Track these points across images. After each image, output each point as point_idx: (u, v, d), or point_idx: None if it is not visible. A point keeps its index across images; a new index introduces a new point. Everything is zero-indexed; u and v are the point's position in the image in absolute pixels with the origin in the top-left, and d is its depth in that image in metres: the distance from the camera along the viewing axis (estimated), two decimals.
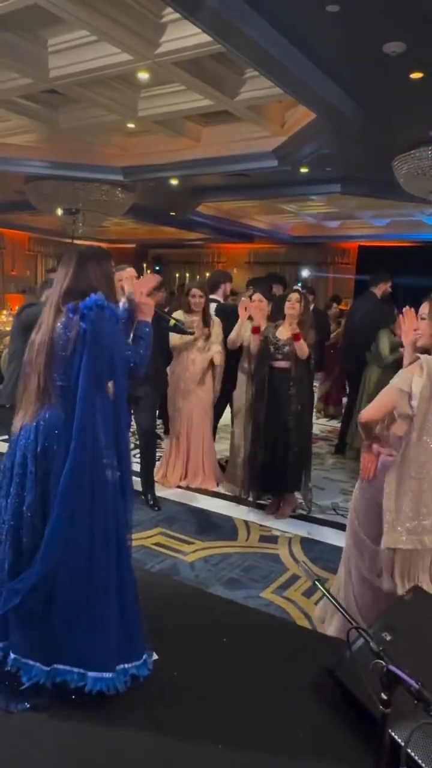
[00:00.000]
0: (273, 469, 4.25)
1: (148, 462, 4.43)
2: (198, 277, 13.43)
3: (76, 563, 2.18)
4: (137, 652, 2.35)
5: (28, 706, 2.22)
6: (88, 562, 2.19)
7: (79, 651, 2.21)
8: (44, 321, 2.27)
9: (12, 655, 2.21)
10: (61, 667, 2.22)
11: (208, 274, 13.71)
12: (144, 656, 2.39)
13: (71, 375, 2.18)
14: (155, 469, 4.61)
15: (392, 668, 1.40)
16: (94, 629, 2.21)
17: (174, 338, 4.56)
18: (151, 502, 4.37)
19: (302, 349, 4.13)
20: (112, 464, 2.24)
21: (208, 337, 4.75)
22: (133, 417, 4.26)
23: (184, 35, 3.93)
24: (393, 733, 1.82)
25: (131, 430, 4.47)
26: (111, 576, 2.24)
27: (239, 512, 4.42)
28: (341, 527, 4.20)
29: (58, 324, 2.21)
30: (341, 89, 4.13)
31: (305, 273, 13.17)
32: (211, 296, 5.03)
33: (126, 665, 2.30)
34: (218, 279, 5.44)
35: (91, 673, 2.21)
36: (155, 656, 2.54)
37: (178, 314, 4.80)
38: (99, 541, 2.21)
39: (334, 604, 1.67)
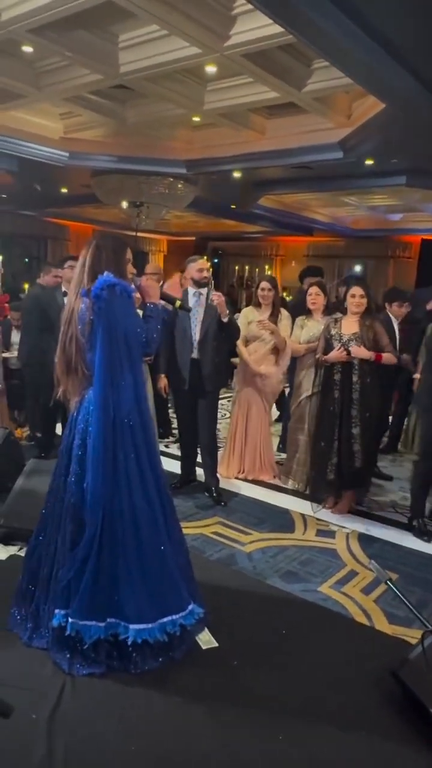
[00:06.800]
0: (341, 467, 4.14)
1: (208, 454, 4.45)
2: (257, 270, 13.41)
3: (115, 523, 2.35)
4: (183, 603, 2.46)
5: (89, 672, 2.34)
6: (125, 521, 2.36)
7: (124, 604, 2.35)
8: (69, 306, 2.47)
9: (70, 620, 2.33)
10: (112, 620, 2.36)
11: (267, 267, 13.71)
12: (190, 607, 2.48)
13: (95, 353, 2.36)
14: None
15: None
16: (133, 583, 2.36)
17: (242, 329, 4.58)
18: (215, 495, 4.39)
19: (389, 360, 4.09)
20: (135, 427, 2.39)
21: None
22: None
23: (254, 27, 3.92)
24: None
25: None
26: (148, 532, 2.39)
27: (296, 505, 4.42)
28: (400, 525, 4.15)
29: (78, 309, 2.40)
30: (414, 78, 4.01)
31: (358, 268, 12.89)
32: None
33: (174, 616, 2.42)
34: None
35: (132, 626, 2.34)
36: (214, 643, 2.59)
37: (249, 310, 4.86)
38: (135, 502, 2.37)
39: (407, 605, 1.66)
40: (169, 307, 3.25)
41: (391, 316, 5.08)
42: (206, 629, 2.63)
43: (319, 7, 3.12)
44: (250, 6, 3.46)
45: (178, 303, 3.09)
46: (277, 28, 3.65)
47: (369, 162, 6.34)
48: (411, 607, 1.66)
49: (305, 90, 4.88)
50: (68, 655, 2.37)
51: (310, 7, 3.12)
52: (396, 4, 3.09)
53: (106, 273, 2.36)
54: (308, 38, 3.52)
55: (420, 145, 5.70)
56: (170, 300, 3.03)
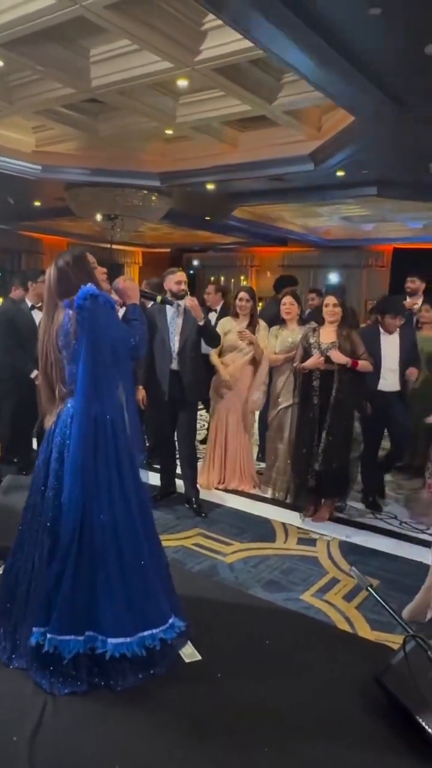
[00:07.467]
0: (321, 475, 4.17)
1: (188, 465, 4.44)
2: (233, 280, 13.48)
3: (95, 535, 2.31)
4: (163, 617, 2.43)
5: (71, 690, 2.29)
6: (105, 533, 2.32)
7: (102, 618, 2.31)
8: (43, 323, 2.44)
9: (48, 636, 2.29)
10: (90, 633, 2.31)
11: (243, 278, 13.79)
12: (170, 620, 2.45)
13: (77, 365, 2.33)
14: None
15: None
16: (112, 596, 2.32)
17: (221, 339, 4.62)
18: (195, 506, 4.37)
19: (365, 367, 4.13)
20: (119, 438, 2.37)
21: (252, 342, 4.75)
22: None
23: (223, 42, 3.98)
24: None
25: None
26: (128, 545, 2.36)
27: (276, 514, 4.42)
28: (380, 531, 4.18)
29: (58, 322, 2.36)
30: (381, 92, 4.11)
31: (334, 278, 13.04)
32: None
33: (153, 630, 2.38)
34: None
35: (111, 640, 2.30)
36: (198, 656, 2.57)
37: (226, 320, 4.88)
38: (116, 514, 2.34)
39: (388, 611, 1.67)
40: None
41: (381, 330, 4.48)
42: (189, 642, 2.61)
43: (287, 23, 3.19)
44: (219, 21, 3.52)
45: (159, 298, 3.07)
46: (247, 43, 3.71)
47: (340, 173, 6.45)
48: (392, 612, 1.67)
49: (276, 103, 4.96)
50: (48, 674, 2.32)
51: (278, 23, 3.18)
52: (365, 21, 3.17)
53: (89, 285, 2.34)
54: (279, 54, 3.58)
55: (388, 156, 5.83)
56: (151, 297, 3.01)
